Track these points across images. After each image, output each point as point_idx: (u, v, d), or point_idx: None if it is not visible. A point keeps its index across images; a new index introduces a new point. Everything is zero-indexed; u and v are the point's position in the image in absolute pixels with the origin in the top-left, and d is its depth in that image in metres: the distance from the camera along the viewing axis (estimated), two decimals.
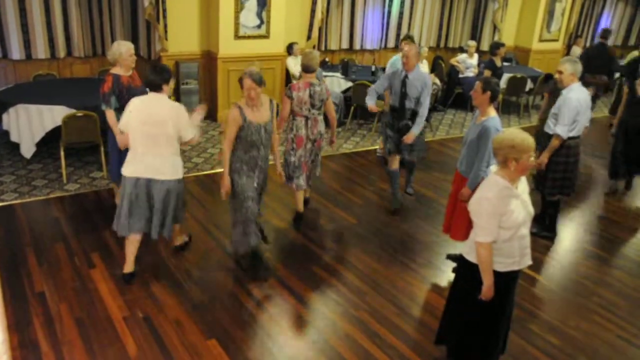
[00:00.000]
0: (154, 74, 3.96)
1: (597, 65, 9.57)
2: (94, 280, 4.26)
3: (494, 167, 3.15)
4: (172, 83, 4.10)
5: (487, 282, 3.09)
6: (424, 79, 5.39)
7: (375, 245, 5.15)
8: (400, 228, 5.48)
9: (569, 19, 12.17)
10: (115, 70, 4.80)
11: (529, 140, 2.95)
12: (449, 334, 3.49)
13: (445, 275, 4.75)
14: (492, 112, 4.16)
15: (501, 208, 2.97)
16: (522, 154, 2.92)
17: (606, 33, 9.78)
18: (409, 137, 5.40)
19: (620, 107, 6.88)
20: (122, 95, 4.69)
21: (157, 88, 3.98)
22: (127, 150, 4.14)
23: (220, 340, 3.71)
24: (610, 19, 13.81)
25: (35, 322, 3.74)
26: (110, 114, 4.73)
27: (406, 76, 5.37)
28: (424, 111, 5.40)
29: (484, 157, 4.09)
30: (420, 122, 5.41)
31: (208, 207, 5.68)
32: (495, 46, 7.87)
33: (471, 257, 3.19)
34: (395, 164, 5.67)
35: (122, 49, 4.75)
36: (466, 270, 3.26)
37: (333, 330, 3.92)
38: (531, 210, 3.13)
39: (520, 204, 3.04)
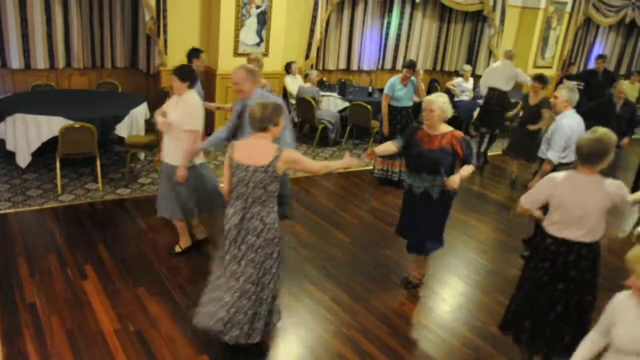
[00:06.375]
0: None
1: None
2: (86, 292, 4.24)
3: None
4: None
5: None
6: None
7: (368, 264, 5.16)
8: (394, 247, 5.49)
9: (562, 46, 12.40)
10: None
11: None
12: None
13: (437, 295, 4.77)
14: None
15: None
16: None
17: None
18: None
19: None
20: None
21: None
22: None
23: (212, 356, 3.68)
24: (602, 47, 14.07)
25: (26, 334, 3.71)
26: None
27: None
28: None
29: None
30: None
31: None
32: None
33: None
34: None
35: None
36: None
37: (324, 349, 3.92)
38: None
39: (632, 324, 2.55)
